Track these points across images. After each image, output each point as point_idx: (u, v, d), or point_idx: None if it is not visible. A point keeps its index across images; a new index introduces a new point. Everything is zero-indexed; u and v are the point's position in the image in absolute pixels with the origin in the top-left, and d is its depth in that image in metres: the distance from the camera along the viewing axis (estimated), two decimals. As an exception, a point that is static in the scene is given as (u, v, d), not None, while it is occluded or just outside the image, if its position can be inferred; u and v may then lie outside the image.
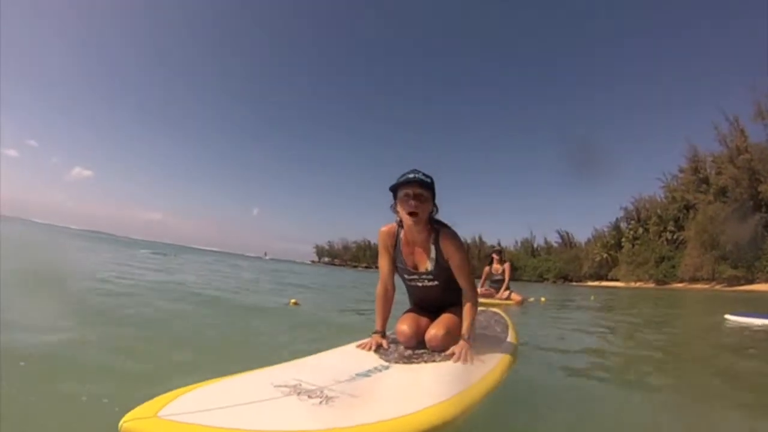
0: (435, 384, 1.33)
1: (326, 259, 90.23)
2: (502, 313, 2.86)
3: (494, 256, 7.09)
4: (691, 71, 67.58)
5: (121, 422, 0.82)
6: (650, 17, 78.34)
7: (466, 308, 1.72)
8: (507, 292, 6.83)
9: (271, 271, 14.77)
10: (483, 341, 1.91)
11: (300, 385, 1.12)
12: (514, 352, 1.87)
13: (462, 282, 1.77)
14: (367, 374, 1.34)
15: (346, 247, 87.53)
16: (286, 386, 1.10)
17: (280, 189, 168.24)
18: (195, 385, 1.05)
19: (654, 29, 77.53)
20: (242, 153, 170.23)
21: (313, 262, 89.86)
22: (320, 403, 1.00)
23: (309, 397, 1.04)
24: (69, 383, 1.57)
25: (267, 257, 75.72)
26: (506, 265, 6.98)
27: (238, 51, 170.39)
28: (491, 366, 1.53)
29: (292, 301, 4.78)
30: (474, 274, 1.90)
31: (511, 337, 2.14)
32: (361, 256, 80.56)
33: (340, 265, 78.65)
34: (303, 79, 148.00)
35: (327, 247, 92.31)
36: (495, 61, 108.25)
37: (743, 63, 54.79)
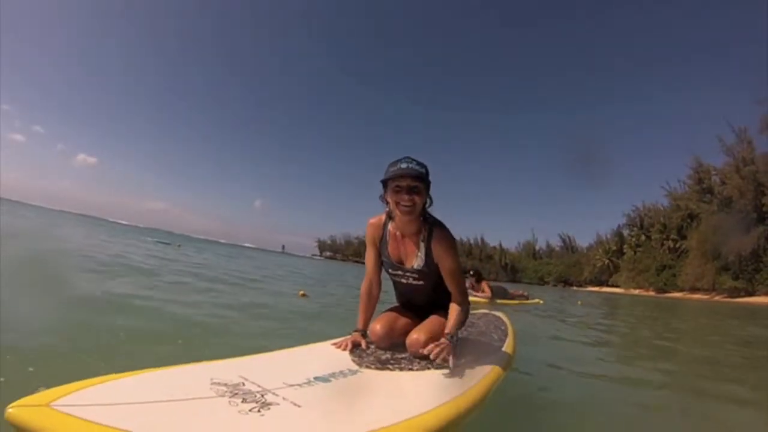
0: (404, 397, 1.16)
1: (328, 254, 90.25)
2: (505, 318, 2.63)
3: (472, 280, 7.17)
4: (699, 79, 67.46)
5: (6, 408, 0.71)
6: (658, 27, 77.89)
7: (453, 308, 1.59)
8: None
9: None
10: (475, 349, 1.73)
11: (242, 384, 0.99)
12: (506, 364, 1.65)
13: (452, 288, 1.64)
14: (326, 378, 1.17)
15: (348, 242, 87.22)
16: (224, 385, 0.97)
17: (282, 181, 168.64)
18: (116, 375, 0.93)
19: (661, 39, 77.10)
20: (244, 144, 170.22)
21: (313, 256, 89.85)
22: (250, 410, 0.86)
23: (243, 401, 0.90)
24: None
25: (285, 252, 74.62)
26: (484, 284, 7.12)
27: (244, 46, 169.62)
28: (476, 379, 1.33)
29: (300, 292, 4.80)
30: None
31: (507, 346, 1.91)
32: (363, 251, 79.98)
33: (342, 260, 78.60)
34: (307, 73, 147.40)
35: (329, 241, 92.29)
36: (504, 66, 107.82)
37: (751, 73, 54.54)
